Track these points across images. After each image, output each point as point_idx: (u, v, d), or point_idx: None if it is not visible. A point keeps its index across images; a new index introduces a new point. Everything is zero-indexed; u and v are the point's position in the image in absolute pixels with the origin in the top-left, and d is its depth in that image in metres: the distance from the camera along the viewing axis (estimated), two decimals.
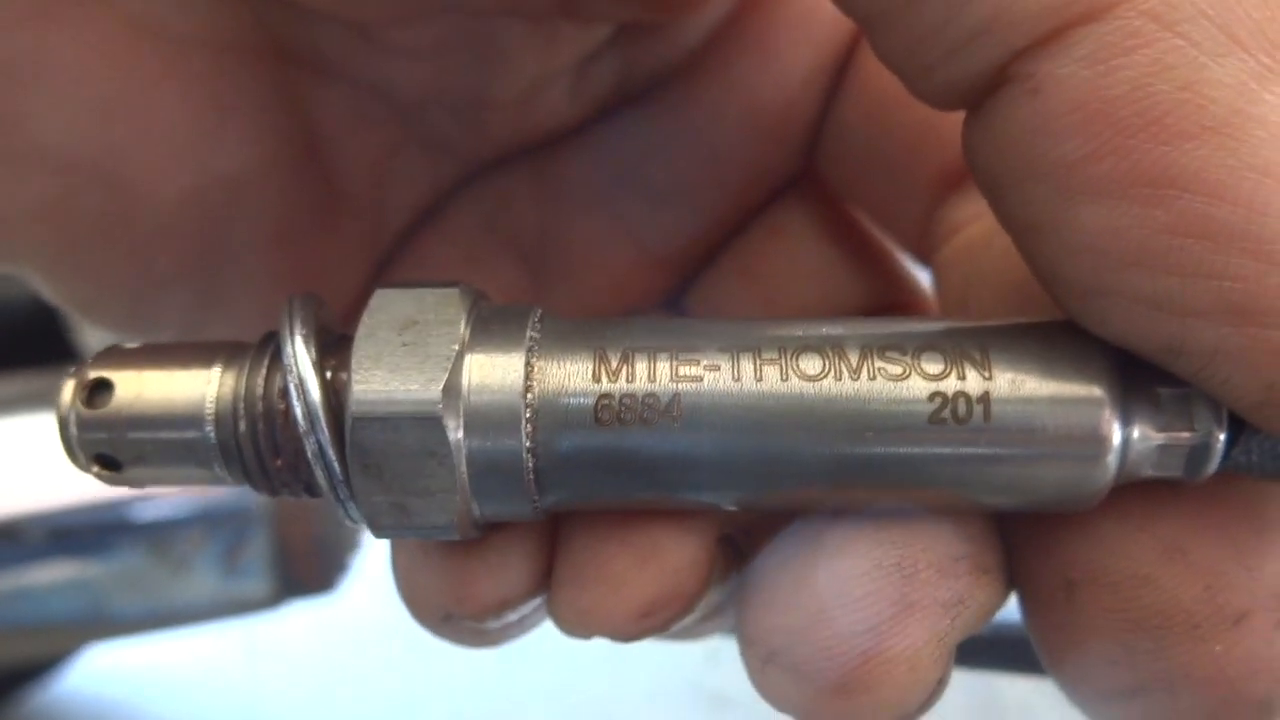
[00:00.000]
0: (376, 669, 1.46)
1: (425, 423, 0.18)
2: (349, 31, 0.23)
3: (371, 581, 1.04)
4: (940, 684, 0.20)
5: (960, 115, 0.19)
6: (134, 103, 0.21)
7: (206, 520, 0.79)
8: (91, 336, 0.80)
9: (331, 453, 0.19)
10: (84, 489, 0.81)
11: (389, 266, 0.28)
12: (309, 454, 0.19)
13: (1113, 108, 0.16)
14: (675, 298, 0.28)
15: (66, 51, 0.20)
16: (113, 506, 0.80)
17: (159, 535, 0.79)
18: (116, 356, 0.21)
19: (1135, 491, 0.20)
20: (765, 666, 0.20)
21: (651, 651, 1.49)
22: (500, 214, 0.28)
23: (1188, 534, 0.20)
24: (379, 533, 0.20)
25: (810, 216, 0.28)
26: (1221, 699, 0.19)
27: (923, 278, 0.28)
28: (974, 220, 0.25)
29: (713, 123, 0.27)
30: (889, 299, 0.28)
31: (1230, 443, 0.19)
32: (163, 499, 0.80)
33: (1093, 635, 0.20)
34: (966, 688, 1.46)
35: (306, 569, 0.82)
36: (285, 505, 0.80)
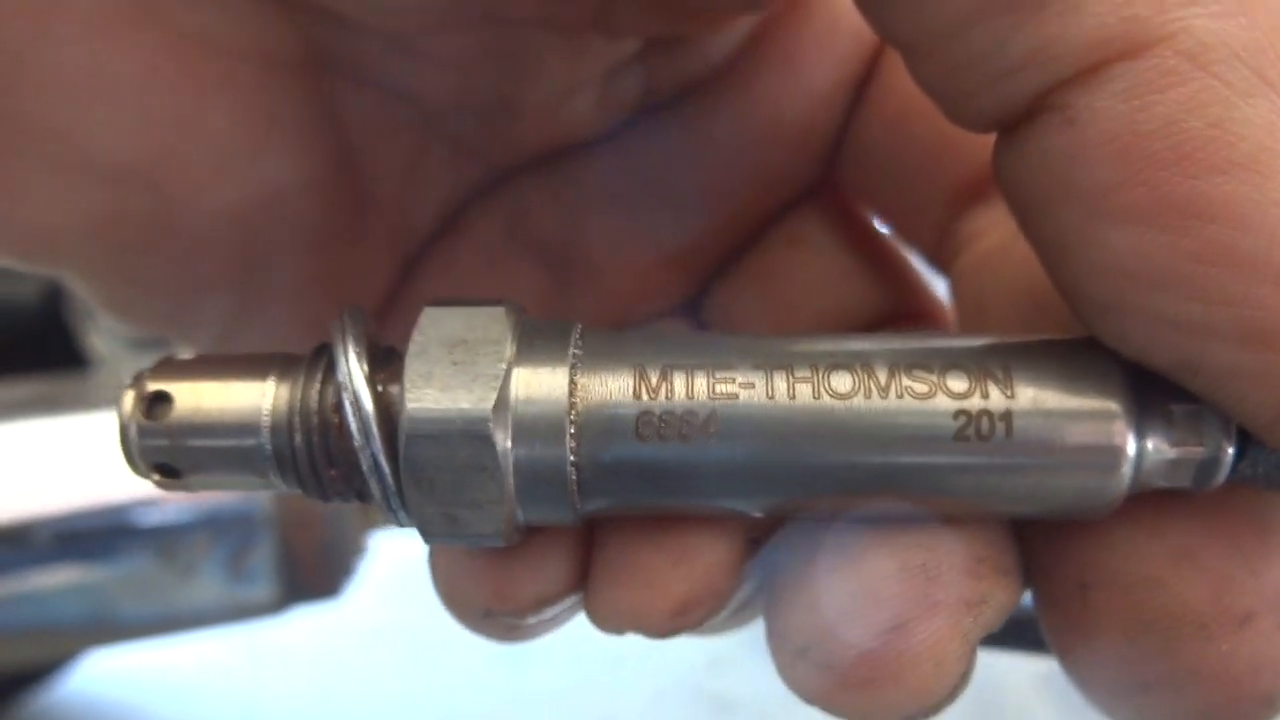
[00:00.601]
0: (380, 673, 1.46)
1: (476, 439, 0.19)
2: (384, 41, 0.24)
3: (376, 586, 1.04)
4: (964, 678, 0.21)
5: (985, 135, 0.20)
6: (182, 115, 0.22)
7: (212, 525, 0.80)
8: (99, 343, 0.80)
9: (385, 466, 0.20)
10: (89, 493, 0.81)
11: (415, 270, 0.28)
12: (364, 467, 0.20)
13: (1145, 141, 0.17)
14: (694, 301, 0.29)
15: (120, 66, 0.21)
16: (118, 511, 0.81)
17: (165, 540, 0.79)
18: (174, 368, 0.22)
19: (1146, 500, 0.21)
20: (795, 661, 0.21)
21: (654, 656, 1.49)
22: (523, 219, 0.29)
23: (1196, 540, 0.21)
24: (429, 540, 0.21)
25: (828, 224, 0.29)
26: (1227, 695, 0.20)
27: (939, 286, 0.29)
28: (991, 230, 0.26)
29: (735, 133, 0.27)
30: (905, 307, 0.29)
31: (1238, 457, 0.20)
32: (169, 504, 0.80)
33: (1105, 634, 0.21)
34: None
35: (312, 574, 0.82)
36: (291, 510, 0.81)
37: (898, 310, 0.29)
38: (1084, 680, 0.22)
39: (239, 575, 0.79)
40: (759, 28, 0.27)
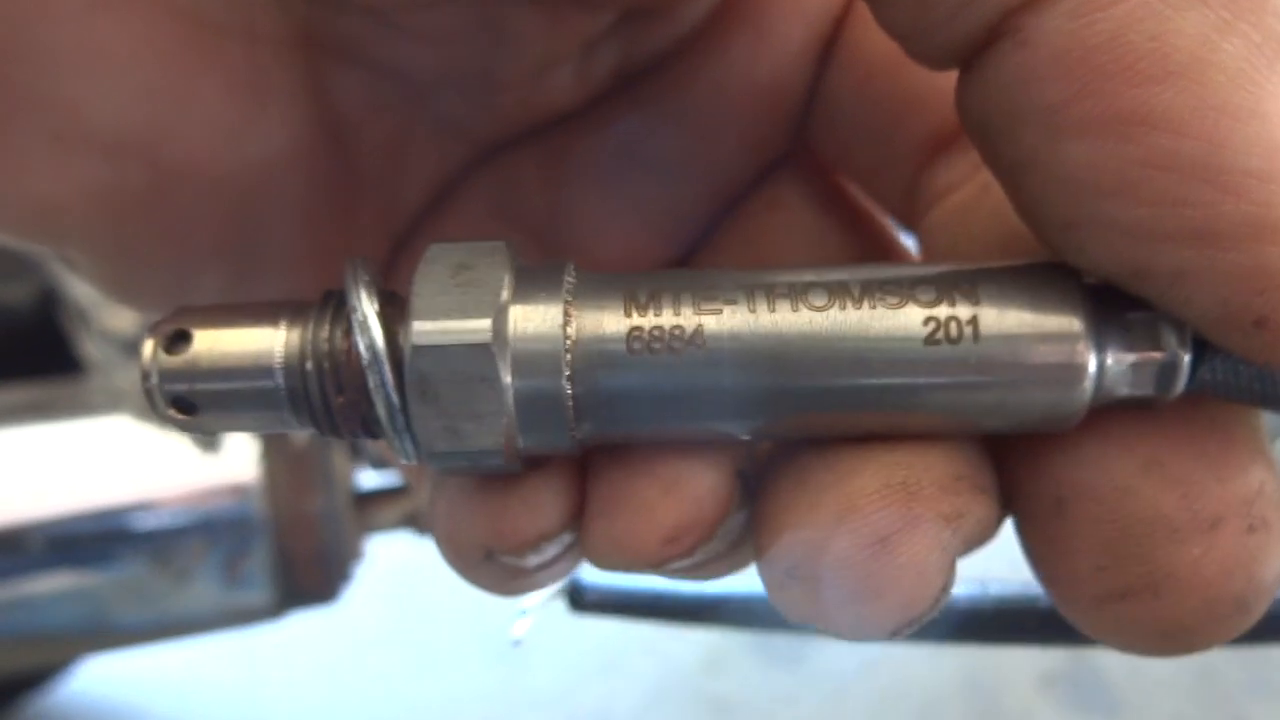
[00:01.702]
0: (377, 677, 1.46)
1: (477, 351, 0.21)
2: (370, 17, 0.25)
3: (373, 591, 1.04)
4: (945, 590, 0.22)
5: (946, 78, 0.21)
6: (177, 89, 0.23)
7: (207, 530, 0.79)
8: (92, 348, 0.80)
9: (391, 381, 0.21)
10: (83, 499, 0.81)
11: (405, 245, 0.29)
12: (370, 386, 0.21)
13: (1092, 55, 0.18)
14: (685, 256, 0.30)
15: (117, 41, 0.22)
16: (113, 516, 0.80)
17: (160, 545, 0.79)
18: (191, 312, 0.23)
19: (1115, 415, 0.22)
20: (785, 581, 0.22)
21: (650, 658, 1.49)
22: (509, 193, 0.30)
23: (1164, 449, 0.22)
24: (433, 460, 0.22)
25: (805, 187, 0.30)
26: (1201, 598, 0.21)
27: (911, 244, 0.30)
28: (959, 185, 0.27)
29: (711, 99, 0.28)
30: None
31: (1196, 362, 0.21)
32: (163, 509, 0.80)
33: (1082, 545, 0.22)
34: (964, 684, 1.46)
35: (308, 579, 0.82)
36: (288, 514, 0.80)
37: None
38: (1065, 596, 0.23)
39: (234, 581, 0.79)
40: None
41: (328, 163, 0.27)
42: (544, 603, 0.68)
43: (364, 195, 0.28)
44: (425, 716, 1.44)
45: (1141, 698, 1.46)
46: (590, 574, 0.68)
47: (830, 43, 0.28)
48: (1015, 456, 0.24)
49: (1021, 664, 1.49)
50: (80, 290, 0.77)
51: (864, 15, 0.26)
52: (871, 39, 0.22)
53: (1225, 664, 1.50)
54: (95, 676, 1.32)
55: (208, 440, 0.78)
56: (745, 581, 0.27)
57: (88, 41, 0.22)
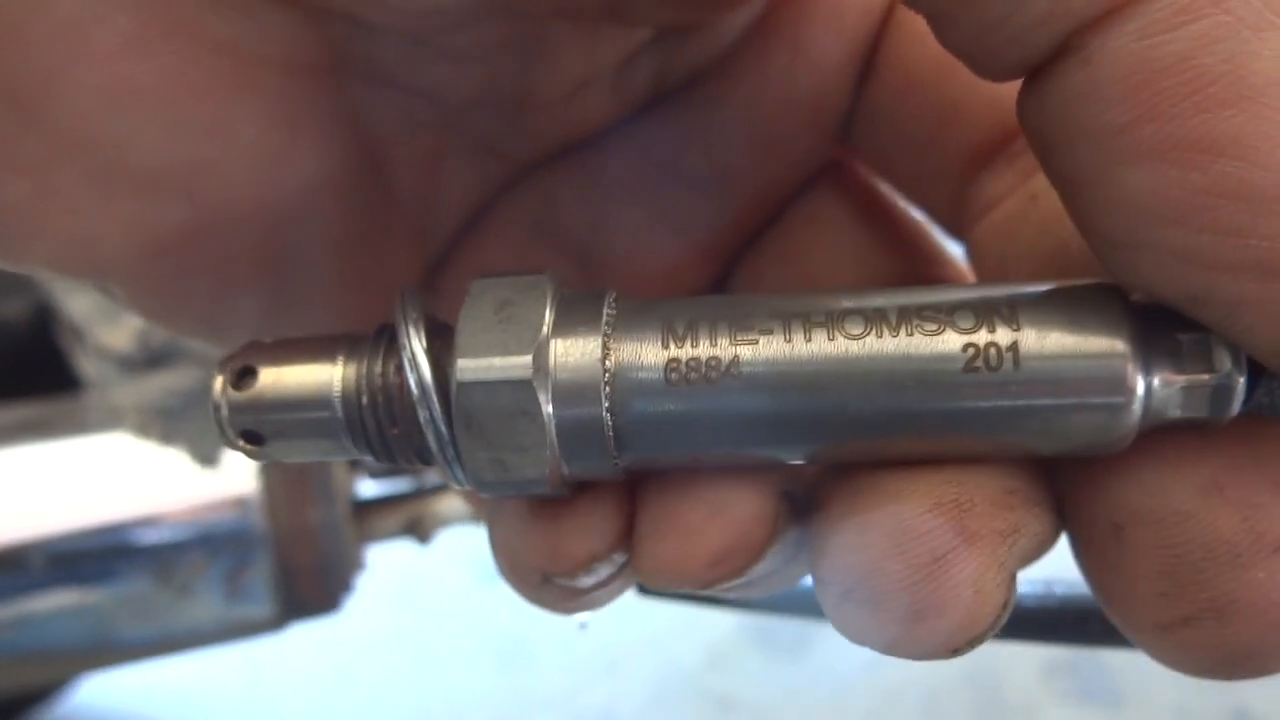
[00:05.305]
0: (381, 684, 1.45)
1: (519, 386, 0.22)
2: (404, 39, 0.25)
3: (375, 598, 1.04)
4: (1006, 606, 0.22)
5: (990, 88, 0.21)
6: (215, 123, 0.23)
7: (208, 544, 0.79)
8: (89, 366, 0.80)
9: (440, 417, 0.22)
10: (83, 516, 0.81)
11: (441, 268, 0.30)
12: (421, 421, 0.23)
13: (1158, 78, 0.17)
14: (718, 284, 0.30)
15: (157, 79, 0.22)
16: (113, 532, 0.80)
17: (161, 560, 0.79)
18: (257, 349, 0.24)
19: (1172, 437, 0.22)
20: (842, 604, 0.22)
21: (654, 655, 1.49)
22: (546, 212, 0.30)
23: (1223, 471, 0.21)
24: (483, 489, 0.23)
25: (845, 199, 0.30)
26: (1268, 621, 0.21)
27: (957, 252, 0.30)
28: (1008, 195, 0.26)
29: (748, 115, 0.28)
30: (926, 276, 0.30)
31: (1251, 385, 0.21)
32: (164, 524, 0.80)
33: (1142, 571, 0.21)
34: (967, 677, 1.46)
35: (310, 590, 0.82)
36: (288, 527, 0.80)
37: (920, 279, 0.30)
38: (1128, 622, 0.23)
39: (236, 593, 0.79)
40: (766, 8, 0.27)
41: (363, 186, 0.27)
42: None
43: (399, 217, 0.28)
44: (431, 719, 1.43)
45: (1144, 687, 1.47)
46: None
47: (870, 55, 0.28)
48: (1070, 478, 0.23)
49: (1024, 656, 1.49)
50: (76, 307, 0.77)
51: (904, 25, 0.26)
52: (913, 50, 0.22)
53: None
54: (96, 691, 1.32)
55: (206, 455, 0.78)
56: None
57: (129, 81, 0.22)
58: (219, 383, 0.24)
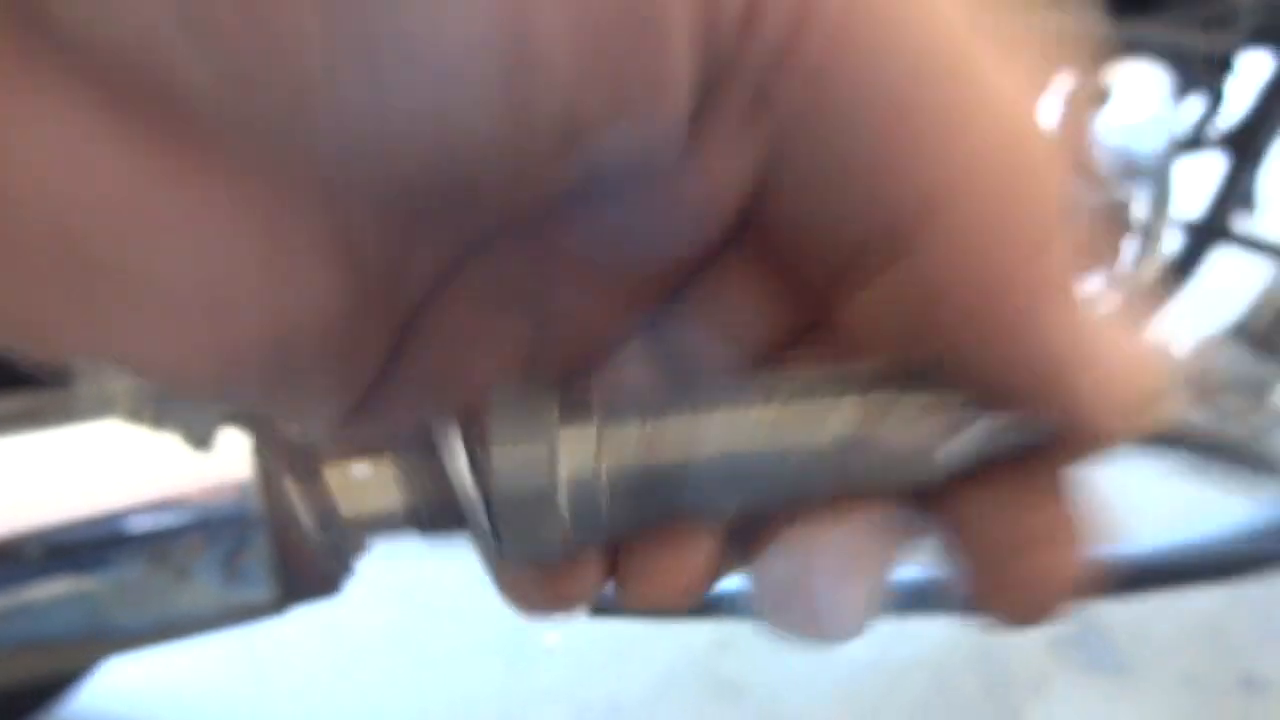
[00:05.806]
0: (386, 676, 1.45)
1: (541, 486, 0.28)
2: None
3: (379, 590, 1.03)
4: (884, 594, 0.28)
5: (879, 189, 0.26)
6: (229, 250, 0.26)
7: (204, 527, 0.79)
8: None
9: (485, 523, 0.28)
10: (78, 505, 0.80)
11: (408, 336, 0.33)
12: (470, 526, 0.29)
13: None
14: (651, 324, 0.35)
15: (185, 222, 0.25)
16: (107, 520, 0.80)
17: (157, 545, 0.79)
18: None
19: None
20: (771, 612, 0.29)
21: (659, 641, 1.49)
22: (504, 277, 0.33)
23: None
24: (513, 560, 0.29)
25: (749, 263, 0.34)
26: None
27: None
28: (873, 277, 0.30)
29: (662, 205, 0.31)
30: (823, 318, 0.34)
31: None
32: (159, 508, 0.80)
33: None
34: (975, 655, 1.46)
35: (309, 572, 0.81)
36: (284, 508, 0.80)
37: (816, 321, 0.34)
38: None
39: (234, 577, 0.79)
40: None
41: (344, 277, 0.29)
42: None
43: (371, 296, 0.30)
44: (436, 713, 1.43)
45: (1150, 656, 1.47)
46: None
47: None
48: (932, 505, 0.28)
49: (1030, 630, 1.49)
50: None
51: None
52: (805, 163, 0.27)
53: (1234, 621, 1.50)
54: (97, 690, 1.32)
55: (199, 438, 0.78)
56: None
57: (161, 222, 0.24)
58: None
